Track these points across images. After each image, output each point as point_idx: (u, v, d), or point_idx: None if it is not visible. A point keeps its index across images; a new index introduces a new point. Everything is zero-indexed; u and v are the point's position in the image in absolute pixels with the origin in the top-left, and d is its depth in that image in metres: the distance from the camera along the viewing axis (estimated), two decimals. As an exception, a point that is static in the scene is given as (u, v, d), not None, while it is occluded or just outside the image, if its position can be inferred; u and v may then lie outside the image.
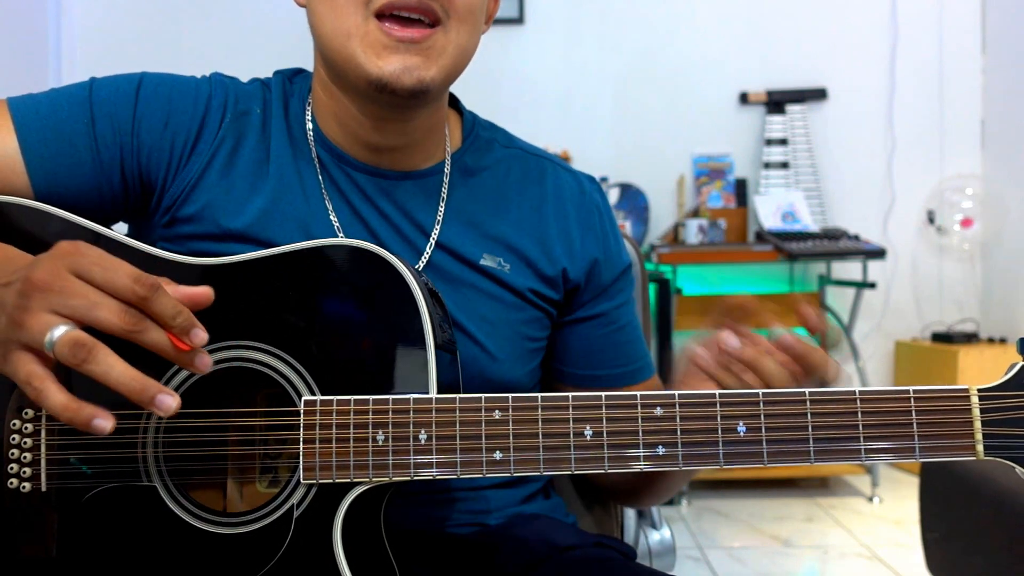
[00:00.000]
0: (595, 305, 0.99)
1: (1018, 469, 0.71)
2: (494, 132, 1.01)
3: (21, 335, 0.63)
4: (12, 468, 0.76)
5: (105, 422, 0.64)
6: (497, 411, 0.74)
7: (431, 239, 0.92)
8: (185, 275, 0.80)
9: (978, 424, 0.71)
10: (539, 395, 0.74)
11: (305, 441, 0.74)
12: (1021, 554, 1.44)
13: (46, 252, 0.66)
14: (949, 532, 1.72)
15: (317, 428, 0.74)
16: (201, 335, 0.65)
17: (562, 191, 0.98)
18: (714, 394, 0.73)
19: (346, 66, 0.84)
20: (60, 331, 0.62)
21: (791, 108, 3.73)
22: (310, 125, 0.93)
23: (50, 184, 0.86)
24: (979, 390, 0.72)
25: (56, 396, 0.64)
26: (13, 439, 0.76)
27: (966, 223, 3.65)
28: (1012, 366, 0.72)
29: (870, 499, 3.26)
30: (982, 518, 1.57)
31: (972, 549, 1.64)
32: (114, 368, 0.63)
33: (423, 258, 0.91)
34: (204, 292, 0.69)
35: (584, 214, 0.98)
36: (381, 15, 0.82)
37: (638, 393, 0.74)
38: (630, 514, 1.19)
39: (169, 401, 0.64)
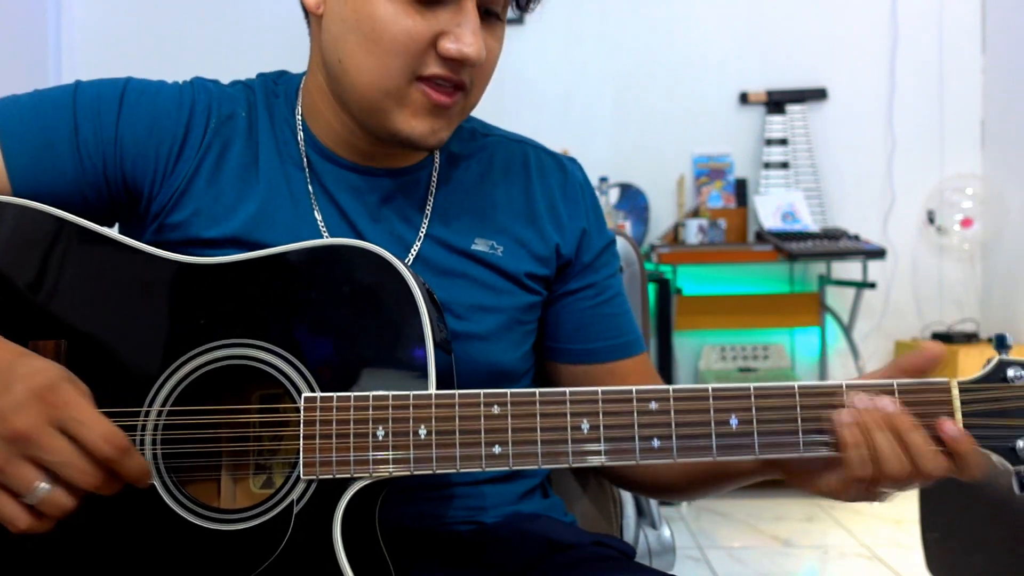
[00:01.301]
0: (582, 278, 1.00)
1: (995, 457, 0.74)
2: (471, 122, 1.03)
3: (9, 477, 0.68)
4: None
5: None
6: (496, 406, 0.75)
7: (420, 232, 0.93)
8: (185, 274, 0.81)
9: (959, 416, 0.74)
10: (537, 390, 0.75)
11: (305, 437, 0.75)
12: (1021, 554, 1.44)
13: (28, 390, 0.68)
14: (949, 532, 1.72)
15: (317, 424, 0.75)
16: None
17: (545, 170, 1.01)
18: (707, 388, 0.75)
19: (374, 116, 0.86)
20: (42, 491, 0.68)
21: (791, 108, 3.73)
22: (300, 127, 0.93)
23: (31, 189, 0.86)
24: (959, 383, 0.75)
25: (24, 523, 0.69)
26: None
27: (966, 223, 3.65)
28: (989, 360, 0.76)
29: (870, 499, 3.26)
30: (982, 518, 1.57)
31: (972, 549, 1.64)
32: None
33: (412, 252, 0.92)
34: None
35: (569, 191, 1.00)
36: (423, 79, 0.84)
37: (633, 388, 0.75)
38: (630, 513, 1.20)
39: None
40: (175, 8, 3.77)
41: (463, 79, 0.85)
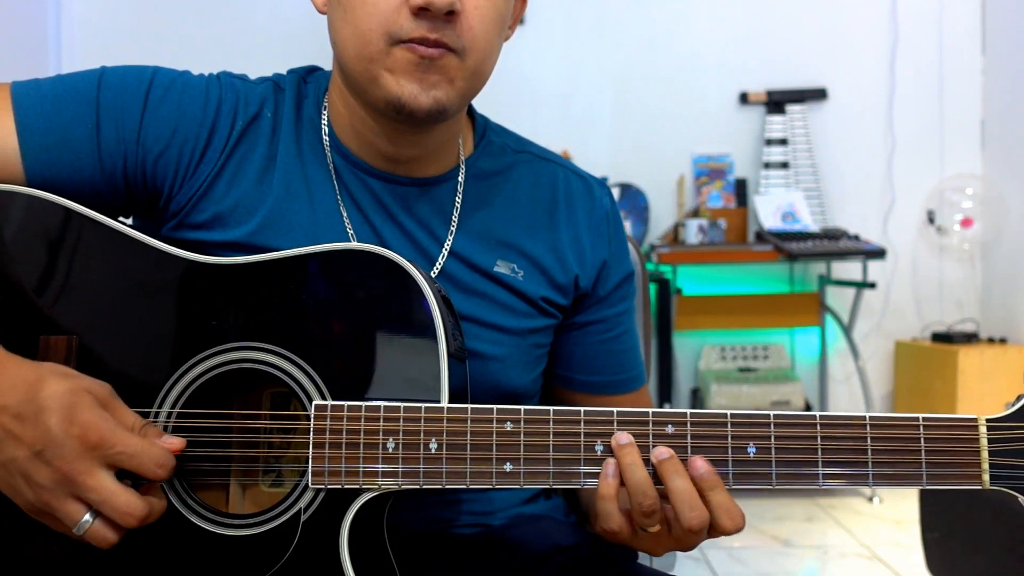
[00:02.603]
0: (597, 311, 0.99)
1: (1022, 499, 0.72)
2: (505, 137, 1.01)
3: (54, 511, 0.71)
4: None
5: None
6: (509, 422, 0.74)
7: (444, 248, 0.92)
8: (198, 274, 0.81)
9: (985, 454, 0.72)
10: (551, 408, 0.74)
11: (315, 446, 0.74)
12: (1021, 554, 1.45)
13: (67, 427, 0.69)
14: (949, 532, 1.72)
15: (327, 433, 0.74)
16: None
17: (573, 196, 0.98)
18: (725, 413, 0.74)
19: (367, 87, 0.84)
20: (87, 523, 0.71)
21: (791, 108, 3.73)
22: (326, 130, 0.92)
23: (46, 182, 0.84)
24: (987, 420, 0.72)
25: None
26: None
27: (966, 223, 3.65)
28: (1020, 397, 0.73)
29: (870, 499, 3.27)
30: (982, 518, 1.57)
31: (972, 549, 1.64)
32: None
33: (436, 267, 0.91)
34: (175, 445, 0.75)
35: (594, 220, 0.98)
36: (402, 41, 0.81)
37: (649, 410, 0.74)
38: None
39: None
40: (174, 6, 3.76)
41: (444, 39, 0.81)
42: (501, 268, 0.93)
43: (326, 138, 0.92)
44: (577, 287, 0.96)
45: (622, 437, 0.73)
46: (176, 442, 0.74)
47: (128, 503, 0.70)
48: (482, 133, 0.99)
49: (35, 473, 0.69)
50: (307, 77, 0.96)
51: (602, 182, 1.02)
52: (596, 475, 0.73)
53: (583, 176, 1.01)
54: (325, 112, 0.93)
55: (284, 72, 0.96)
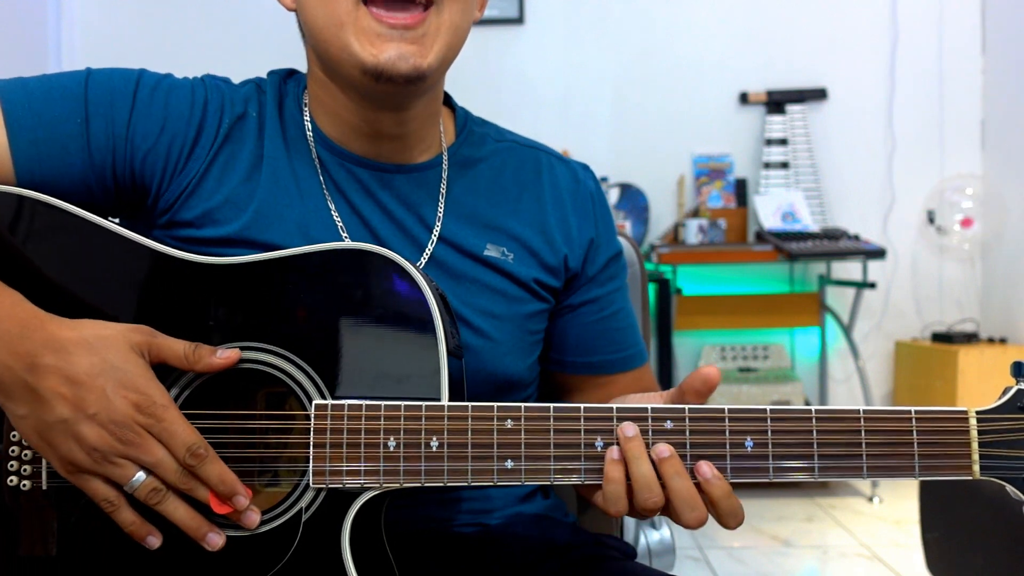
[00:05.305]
0: (587, 291, 0.99)
1: (1009, 488, 0.74)
2: (486, 127, 1.02)
3: (107, 472, 0.73)
4: (12, 466, 0.77)
5: (155, 539, 0.75)
6: (509, 420, 0.74)
7: (433, 233, 0.92)
8: (195, 274, 0.80)
9: (975, 445, 0.73)
10: (551, 405, 0.75)
11: (316, 445, 0.75)
12: (1021, 554, 1.45)
13: (125, 398, 0.72)
14: (949, 532, 1.73)
15: (328, 433, 0.75)
16: (242, 500, 0.75)
17: (557, 179, 1.00)
18: (723, 409, 0.74)
19: (340, 55, 0.84)
20: (140, 479, 0.73)
21: (791, 108, 3.73)
22: (308, 125, 0.93)
23: (36, 181, 0.84)
24: (977, 412, 0.74)
25: (127, 515, 0.75)
26: (14, 436, 0.77)
27: (966, 223, 3.65)
28: (1007, 389, 0.75)
29: (870, 499, 3.27)
30: (982, 518, 1.57)
31: (972, 549, 1.64)
32: (177, 510, 0.74)
33: (426, 252, 0.92)
34: (232, 358, 0.77)
35: (580, 200, 0.99)
36: (370, 1, 0.82)
37: (649, 406, 0.75)
38: (630, 514, 1.19)
39: (216, 540, 0.75)
40: (174, 8, 3.76)
41: None
42: (491, 252, 0.93)
43: (309, 133, 0.92)
44: (567, 267, 0.97)
45: (628, 429, 0.74)
46: (231, 354, 0.77)
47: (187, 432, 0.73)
48: (463, 124, 1.00)
49: (88, 435, 0.71)
50: (287, 79, 0.97)
51: (586, 166, 1.04)
52: (596, 471, 0.74)
53: (566, 161, 1.03)
54: (306, 107, 0.94)
55: (265, 76, 0.98)
